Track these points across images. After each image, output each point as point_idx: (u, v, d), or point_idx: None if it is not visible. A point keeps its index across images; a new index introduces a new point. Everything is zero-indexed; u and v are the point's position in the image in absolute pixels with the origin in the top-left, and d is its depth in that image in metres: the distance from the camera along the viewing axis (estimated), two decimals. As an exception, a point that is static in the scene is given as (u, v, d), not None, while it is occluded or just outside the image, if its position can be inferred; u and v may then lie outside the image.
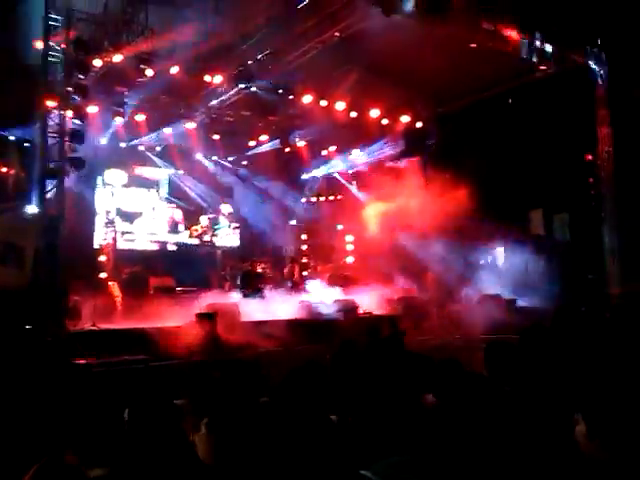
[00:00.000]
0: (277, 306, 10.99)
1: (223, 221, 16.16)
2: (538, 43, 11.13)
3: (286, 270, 14.23)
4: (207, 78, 11.60)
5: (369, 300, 11.70)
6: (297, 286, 13.39)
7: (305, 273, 15.24)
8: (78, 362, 7.27)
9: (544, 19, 10.95)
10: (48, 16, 9.37)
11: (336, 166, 16.49)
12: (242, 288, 12.24)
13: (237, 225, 16.27)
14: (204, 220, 15.78)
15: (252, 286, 12.18)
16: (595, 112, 11.91)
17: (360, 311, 11.18)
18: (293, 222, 17.20)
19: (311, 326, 9.67)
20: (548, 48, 11.19)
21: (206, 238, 15.70)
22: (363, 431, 2.79)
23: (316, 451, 2.19)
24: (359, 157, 15.87)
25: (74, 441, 2.45)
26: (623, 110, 11.37)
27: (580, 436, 2.54)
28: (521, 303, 11.01)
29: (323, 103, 12.94)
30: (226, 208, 16.12)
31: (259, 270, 13.83)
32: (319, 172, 16.98)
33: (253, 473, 2.08)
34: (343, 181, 16.80)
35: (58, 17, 9.58)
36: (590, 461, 2.35)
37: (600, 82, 11.91)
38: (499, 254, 12.67)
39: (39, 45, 9.53)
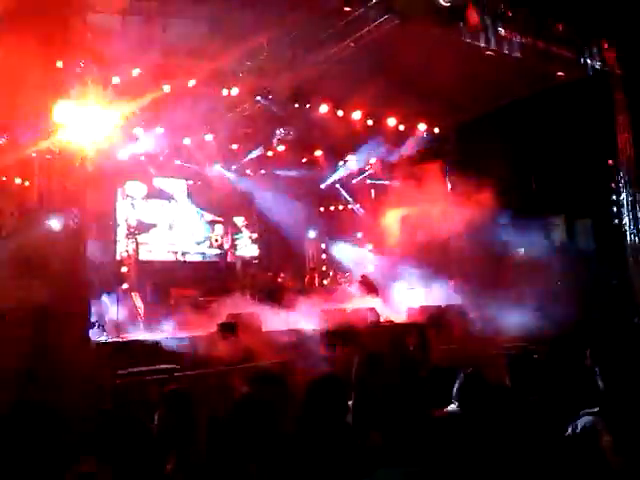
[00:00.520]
0: (298, 316, 11.02)
1: (243, 231, 16.26)
2: (555, 49, 11.06)
3: (306, 279, 14.26)
4: (224, 90, 11.70)
5: (391, 308, 11.70)
6: (315, 294, 13.36)
7: (325, 282, 15.27)
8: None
9: (562, 25, 10.89)
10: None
11: (354, 174, 16.53)
12: (262, 298, 12.25)
13: (256, 236, 16.36)
14: (219, 229, 15.86)
15: (271, 296, 12.18)
16: (615, 117, 11.80)
17: (381, 319, 11.17)
18: (312, 231, 17.25)
19: (333, 335, 9.65)
20: (565, 54, 11.12)
21: (226, 248, 15.80)
22: (381, 443, 2.80)
23: (328, 459, 2.21)
24: (376, 164, 15.87)
25: (98, 449, 2.49)
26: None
27: (606, 447, 2.53)
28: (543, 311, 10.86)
29: (339, 113, 12.99)
30: (239, 220, 16.18)
31: (280, 281, 13.87)
32: (337, 181, 17.04)
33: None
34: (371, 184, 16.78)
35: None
36: (615, 472, 2.34)
37: (618, 86, 11.81)
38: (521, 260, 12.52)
39: (59, 64, 9.69)
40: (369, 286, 13.66)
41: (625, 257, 11.45)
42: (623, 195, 11.67)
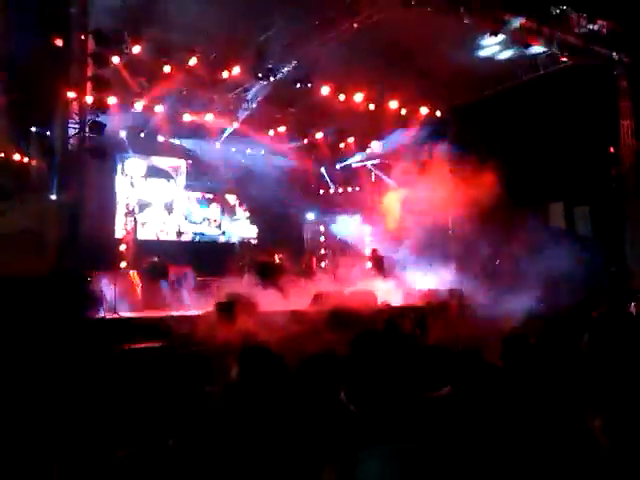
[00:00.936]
0: (294, 296, 11.04)
1: (242, 212, 16.23)
2: (560, 35, 10.97)
3: (304, 261, 14.26)
4: (225, 73, 11.59)
5: (388, 291, 11.71)
6: (313, 277, 13.38)
7: (322, 264, 15.29)
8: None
9: (568, 10, 10.79)
10: (68, 8, 9.44)
11: (355, 157, 16.47)
12: (260, 279, 12.25)
13: (255, 217, 16.33)
14: (218, 209, 15.80)
15: (269, 277, 12.18)
16: (617, 104, 11.74)
17: (379, 302, 11.18)
18: (311, 214, 17.23)
19: (328, 316, 9.69)
20: (570, 40, 11.03)
21: (224, 228, 15.77)
22: (374, 419, 2.81)
23: (322, 432, 2.21)
24: (379, 147, 15.80)
25: (102, 423, 2.51)
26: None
27: (597, 430, 2.54)
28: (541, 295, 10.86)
29: (341, 95, 12.91)
30: (238, 201, 16.09)
31: (277, 260, 13.86)
32: (338, 164, 16.98)
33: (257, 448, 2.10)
34: (372, 168, 16.73)
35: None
36: (607, 454, 2.35)
37: (623, 74, 11.73)
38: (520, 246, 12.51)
39: (59, 41, 9.61)
40: (379, 262, 13.79)
41: (623, 244, 11.46)
42: (624, 182, 11.65)
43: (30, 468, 2.14)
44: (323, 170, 17.30)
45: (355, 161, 16.73)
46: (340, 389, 2.87)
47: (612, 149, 11.88)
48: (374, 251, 14.34)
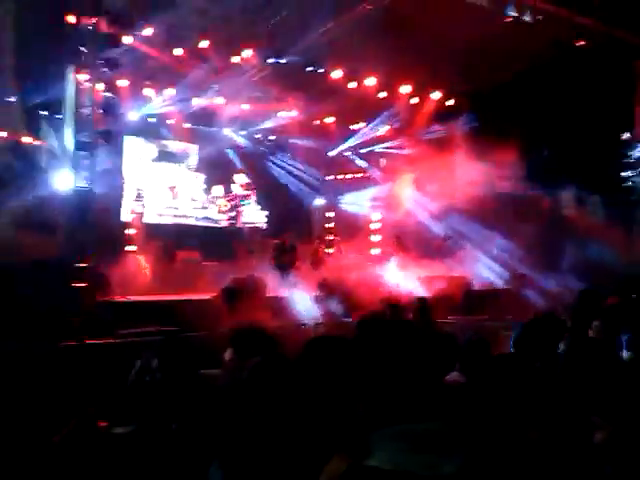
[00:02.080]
0: (302, 282, 11.04)
1: (251, 197, 16.18)
2: (577, 17, 10.74)
3: (312, 247, 14.17)
4: (236, 57, 11.48)
5: (396, 278, 11.69)
6: (320, 263, 13.32)
7: (330, 251, 15.24)
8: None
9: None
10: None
11: (364, 142, 16.34)
12: (276, 262, 12.18)
13: (264, 203, 16.28)
14: (227, 194, 15.75)
15: (286, 259, 12.12)
16: (635, 89, 11.53)
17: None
18: (320, 199, 17.17)
19: (334, 302, 9.70)
20: (588, 23, 10.80)
21: (233, 213, 15.75)
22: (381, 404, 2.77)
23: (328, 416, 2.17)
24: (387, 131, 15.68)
25: (102, 403, 2.50)
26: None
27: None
28: (550, 283, 10.81)
29: (352, 81, 12.78)
30: (240, 178, 15.97)
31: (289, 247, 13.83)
32: (346, 149, 16.86)
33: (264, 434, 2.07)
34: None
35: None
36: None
37: (640, 58, 11.52)
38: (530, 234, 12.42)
39: (71, 18, 9.57)
40: (403, 247, 13.77)
41: (636, 234, 11.32)
42: (638, 170, 11.48)
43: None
44: (333, 154, 17.18)
45: (361, 147, 16.59)
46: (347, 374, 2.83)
47: (628, 135, 11.69)
48: (398, 238, 14.31)
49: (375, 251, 14.81)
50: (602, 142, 11.45)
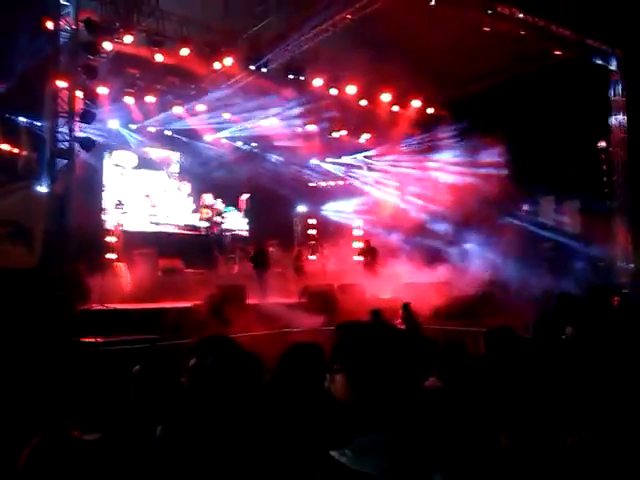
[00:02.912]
0: (283, 289, 11.04)
1: (233, 205, 16.14)
2: (554, 27, 10.94)
3: (293, 254, 14.15)
4: (217, 64, 11.47)
5: (376, 284, 11.72)
6: (302, 270, 13.29)
7: (313, 257, 15.26)
8: (84, 340, 7.34)
9: (560, 4, 10.75)
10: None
11: (347, 150, 16.46)
12: (255, 265, 11.99)
13: (246, 210, 16.25)
14: (209, 202, 15.68)
15: (264, 263, 11.93)
16: (609, 99, 11.75)
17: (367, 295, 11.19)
18: (302, 206, 17.19)
19: (316, 309, 9.70)
20: (564, 33, 10.99)
21: (215, 220, 15.68)
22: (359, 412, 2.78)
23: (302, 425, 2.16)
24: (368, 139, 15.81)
25: (75, 412, 2.47)
26: (638, 97, 11.21)
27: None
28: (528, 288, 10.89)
29: (333, 87, 12.84)
30: (223, 191, 15.89)
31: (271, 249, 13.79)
32: (329, 157, 16.94)
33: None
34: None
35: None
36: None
37: (615, 68, 11.73)
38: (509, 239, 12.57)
39: (49, 25, 9.51)
40: (372, 254, 13.44)
41: (612, 239, 11.50)
42: (615, 176, 11.68)
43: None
44: (316, 162, 17.23)
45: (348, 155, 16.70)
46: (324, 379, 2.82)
47: (604, 143, 11.90)
48: (367, 243, 14.06)
49: (358, 257, 14.80)
50: (580, 150, 11.63)
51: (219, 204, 15.54)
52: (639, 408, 2.54)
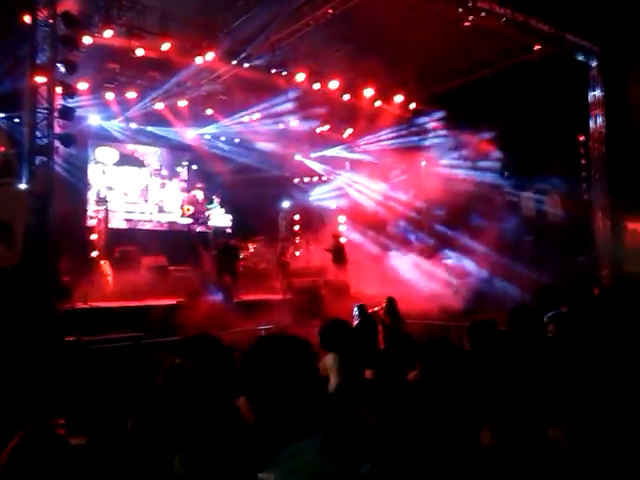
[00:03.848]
0: (267, 285, 11.02)
1: (216, 201, 16.06)
2: (534, 22, 11.00)
3: (276, 250, 14.10)
4: (199, 57, 11.38)
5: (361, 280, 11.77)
6: (285, 266, 13.23)
7: (297, 253, 15.26)
8: (68, 339, 7.28)
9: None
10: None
11: (332, 147, 16.46)
12: (218, 265, 11.72)
13: (229, 206, 16.17)
14: (192, 198, 15.60)
15: (226, 263, 11.60)
16: (587, 93, 11.88)
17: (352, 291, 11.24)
18: (286, 202, 17.17)
19: (300, 305, 9.71)
20: (543, 28, 11.07)
21: (198, 217, 15.62)
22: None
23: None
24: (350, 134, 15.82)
25: (60, 411, 2.46)
26: (616, 92, 11.34)
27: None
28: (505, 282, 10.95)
29: (316, 82, 12.81)
30: (205, 187, 15.78)
31: (251, 249, 13.75)
32: (314, 152, 16.92)
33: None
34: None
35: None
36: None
37: (594, 63, 11.84)
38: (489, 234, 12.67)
39: (27, 18, 9.36)
40: (339, 249, 12.99)
41: (592, 233, 11.64)
42: (592, 171, 11.81)
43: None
44: (299, 158, 17.21)
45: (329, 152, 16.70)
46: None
47: (581, 137, 12.03)
48: (335, 237, 13.51)
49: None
50: (559, 144, 11.75)
51: (201, 197, 15.49)
52: (622, 400, 2.59)
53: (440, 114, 13.89)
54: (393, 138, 14.87)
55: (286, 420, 1.44)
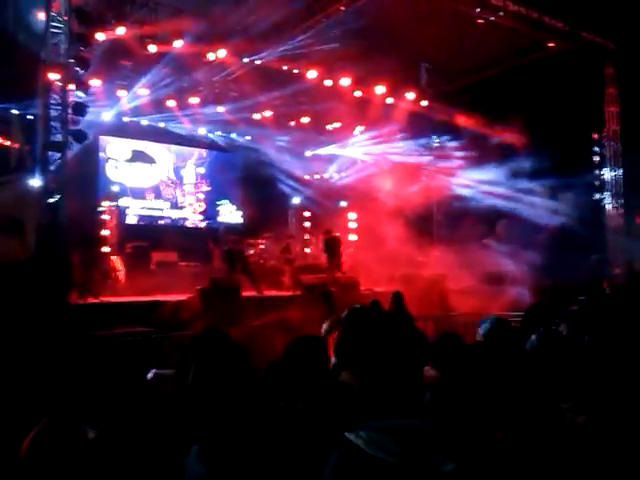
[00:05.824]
0: (279, 282, 11.03)
1: (225, 197, 16.10)
2: (547, 19, 10.93)
3: (282, 246, 14.04)
4: (211, 55, 11.40)
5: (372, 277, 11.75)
6: (290, 263, 13.17)
7: (307, 250, 15.25)
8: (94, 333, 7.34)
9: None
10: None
11: (342, 145, 16.45)
12: (227, 266, 11.72)
13: (240, 203, 16.21)
14: (203, 195, 15.64)
15: (234, 264, 11.58)
16: (603, 90, 11.77)
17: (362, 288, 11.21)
18: (296, 199, 17.17)
19: (311, 302, 9.70)
20: (557, 25, 10.99)
21: (209, 214, 15.66)
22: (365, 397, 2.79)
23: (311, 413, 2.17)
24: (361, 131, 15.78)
25: (76, 404, 2.47)
26: (631, 89, 11.24)
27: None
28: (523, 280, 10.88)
29: (328, 80, 12.79)
30: (217, 184, 15.75)
31: (259, 248, 13.78)
32: (324, 150, 16.91)
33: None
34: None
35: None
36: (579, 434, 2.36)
37: (609, 60, 11.74)
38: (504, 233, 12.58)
39: (41, 15, 9.42)
40: (333, 245, 12.55)
41: (605, 232, 11.56)
42: (606, 170, 11.72)
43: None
44: (310, 154, 17.21)
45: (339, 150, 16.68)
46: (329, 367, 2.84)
47: (596, 135, 11.94)
48: (327, 233, 12.85)
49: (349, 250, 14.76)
50: (573, 141, 11.67)
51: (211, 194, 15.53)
52: (629, 394, 2.57)
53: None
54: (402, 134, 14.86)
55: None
